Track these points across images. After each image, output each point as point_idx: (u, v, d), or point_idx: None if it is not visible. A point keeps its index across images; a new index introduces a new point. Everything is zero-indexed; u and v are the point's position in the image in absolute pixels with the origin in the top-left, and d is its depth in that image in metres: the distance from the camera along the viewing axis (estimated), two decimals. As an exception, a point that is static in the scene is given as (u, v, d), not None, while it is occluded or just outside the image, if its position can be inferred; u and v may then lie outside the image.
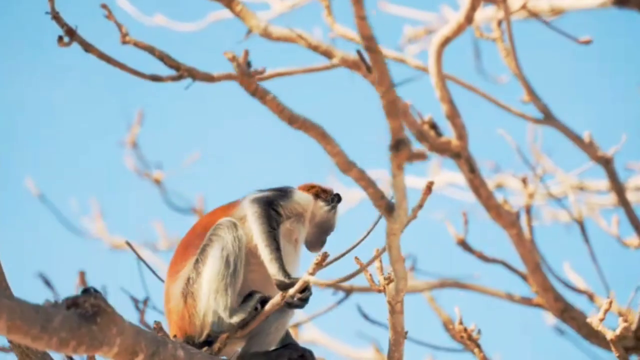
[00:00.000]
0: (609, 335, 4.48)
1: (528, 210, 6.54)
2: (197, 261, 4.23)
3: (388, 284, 3.80)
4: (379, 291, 3.89)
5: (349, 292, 6.46)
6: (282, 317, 4.33)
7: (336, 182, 12.02)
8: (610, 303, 4.57)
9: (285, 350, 4.30)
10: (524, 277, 6.30)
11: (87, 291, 3.09)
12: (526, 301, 6.48)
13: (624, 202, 6.46)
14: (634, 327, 6.47)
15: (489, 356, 6.47)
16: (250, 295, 4.17)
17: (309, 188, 4.62)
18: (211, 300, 4.15)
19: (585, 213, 9.73)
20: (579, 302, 6.70)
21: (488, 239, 6.80)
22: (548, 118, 6.27)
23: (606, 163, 6.41)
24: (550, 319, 7.96)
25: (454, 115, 5.60)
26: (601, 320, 4.44)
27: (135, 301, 5.26)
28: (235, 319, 4.12)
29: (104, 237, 9.37)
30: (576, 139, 6.32)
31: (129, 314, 5.52)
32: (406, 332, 3.93)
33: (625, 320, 6.61)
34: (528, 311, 7.35)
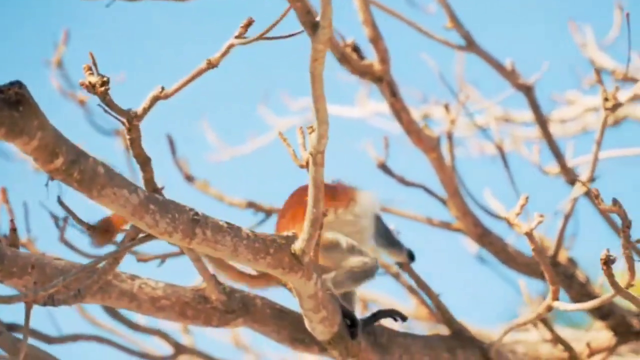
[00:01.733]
0: (524, 228, 4.51)
1: (450, 136, 6.61)
2: None
3: (312, 132, 3.71)
4: (302, 167, 3.82)
5: (269, 213, 6.51)
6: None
7: (267, 109, 12.03)
8: (527, 198, 4.61)
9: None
10: (444, 202, 6.40)
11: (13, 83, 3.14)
12: (445, 225, 6.59)
13: (543, 129, 6.57)
14: (550, 253, 6.63)
15: (410, 281, 6.58)
16: None
17: None
18: None
19: (511, 145, 9.89)
20: (498, 228, 6.85)
21: (413, 167, 6.87)
22: (470, 45, 6.33)
23: (527, 91, 6.50)
24: (472, 246, 8.09)
25: (376, 38, 5.62)
26: (517, 214, 4.50)
27: (55, 219, 5.24)
28: None
29: (29, 159, 9.24)
30: (498, 66, 6.39)
31: (51, 233, 5.53)
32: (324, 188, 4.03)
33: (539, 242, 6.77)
34: (451, 238, 7.44)
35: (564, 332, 7.68)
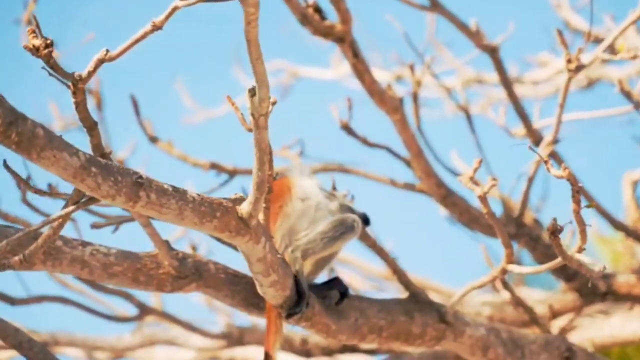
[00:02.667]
0: (478, 191, 4.48)
1: (415, 97, 6.57)
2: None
3: (252, 96, 3.68)
4: (250, 130, 3.76)
5: (232, 173, 6.47)
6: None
7: (241, 73, 11.95)
8: (480, 162, 4.57)
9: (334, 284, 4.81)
10: (407, 163, 6.36)
11: None
12: (409, 187, 6.57)
13: (509, 91, 6.52)
14: (515, 214, 6.62)
15: (381, 242, 6.56)
16: None
17: None
18: None
19: (480, 108, 9.85)
20: (463, 190, 6.82)
21: (381, 129, 6.81)
22: (434, 5, 6.27)
23: (492, 52, 6.45)
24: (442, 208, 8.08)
25: (337, -1, 5.55)
26: (471, 178, 4.46)
27: (17, 178, 5.16)
28: None
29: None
30: (462, 26, 6.33)
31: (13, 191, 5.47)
32: (271, 151, 4.00)
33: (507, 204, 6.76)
34: (420, 199, 7.40)
35: (534, 294, 7.71)
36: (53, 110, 9.07)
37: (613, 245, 9.73)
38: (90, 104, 7.93)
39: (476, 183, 4.59)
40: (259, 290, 4.38)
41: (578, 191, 4.13)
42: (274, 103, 4.17)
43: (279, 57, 11.74)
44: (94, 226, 4.90)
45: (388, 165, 6.64)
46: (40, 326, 7.43)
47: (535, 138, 6.50)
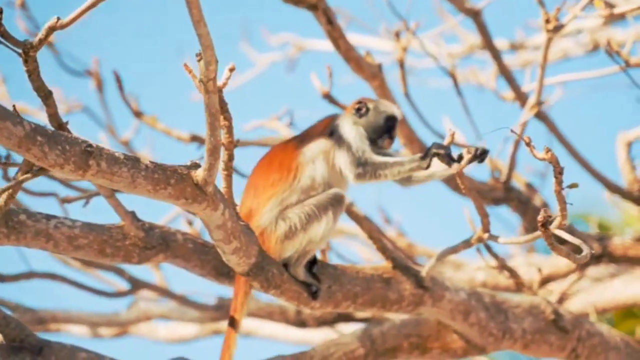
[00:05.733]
0: (455, 167, 4.47)
1: (402, 63, 6.52)
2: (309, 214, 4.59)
3: (200, 60, 3.65)
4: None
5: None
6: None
7: (248, 47, 11.92)
8: (453, 135, 4.55)
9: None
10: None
11: None
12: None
13: (494, 54, 6.44)
14: (503, 178, 6.55)
15: (368, 214, 6.54)
16: None
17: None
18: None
19: (473, 75, 9.75)
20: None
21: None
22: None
23: (475, 16, 6.36)
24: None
25: (308, -35, 5.50)
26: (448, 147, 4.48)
27: None
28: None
29: (6, 103, 9.21)
30: (443, -10, 6.25)
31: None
32: (229, 117, 3.97)
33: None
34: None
35: (533, 258, 7.64)
36: (56, 93, 9.09)
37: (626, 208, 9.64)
38: (91, 85, 8.00)
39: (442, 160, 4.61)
40: (223, 258, 4.36)
41: (560, 172, 4.12)
42: (231, 70, 4.15)
43: (285, 30, 11.72)
44: (64, 200, 4.92)
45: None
46: (37, 304, 7.48)
47: (523, 101, 6.43)
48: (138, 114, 6.72)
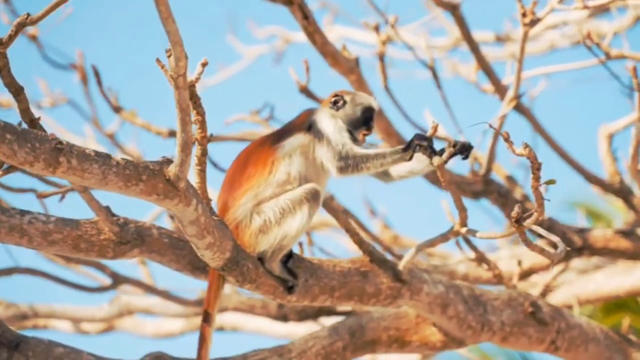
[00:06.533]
0: (436, 161, 4.46)
1: (381, 57, 6.52)
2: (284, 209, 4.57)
3: (169, 56, 3.66)
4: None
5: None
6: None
7: (235, 40, 11.93)
8: (436, 127, 4.53)
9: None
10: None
11: None
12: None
13: (472, 47, 6.45)
14: (482, 171, 6.56)
15: (348, 208, 6.53)
16: None
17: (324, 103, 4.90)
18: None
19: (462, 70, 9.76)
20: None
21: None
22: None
23: (453, 10, 6.36)
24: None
25: (285, -40, 5.50)
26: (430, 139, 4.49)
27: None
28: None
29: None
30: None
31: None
32: (202, 112, 3.99)
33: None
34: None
35: (518, 250, 7.65)
36: (42, 86, 9.10)
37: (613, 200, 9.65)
38: (76, 78, 7.99)
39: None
40: (197, 253, 4.36)
41: (538, 168, 4.13)
42: (204, 64, 4.14)
43: (272, 23, 11.73)
44: (40, 195, 4.91)
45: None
46: (21, 299, 7.49)
47: (503, 94, 6.44)
48: (117, 109, 6.72)
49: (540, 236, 4.50)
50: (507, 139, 4.15)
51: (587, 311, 11.34)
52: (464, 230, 4.81)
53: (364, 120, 4.81)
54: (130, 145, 9.18)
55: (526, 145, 4.13)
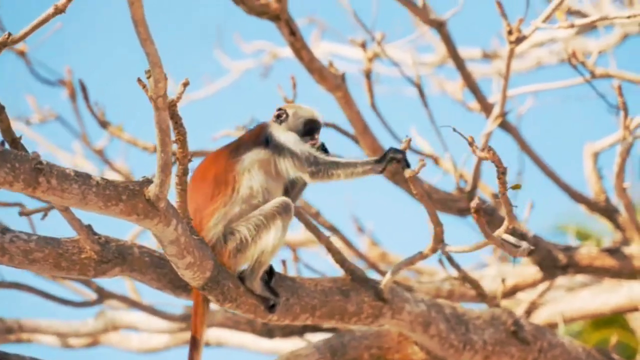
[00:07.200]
0: (407, 173, 4.48)
1: (368, 74, 6.55)
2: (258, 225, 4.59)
3: (149, 77, 3.68)
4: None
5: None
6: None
7: (222, 54, 11.94)
8: (409, 141, 4.54)
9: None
10: (355, 140, 6.33)
11: None
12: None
13: (459, 65, 6.47)
14: (468, 188, 6.58)
15: (335, 224, 6.55)
16: None
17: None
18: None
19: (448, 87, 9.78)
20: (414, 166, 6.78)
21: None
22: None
23: (440, 27, 6.39)
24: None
25: (270, -23, 5.52)
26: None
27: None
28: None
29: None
30: (408, 3, 6.26)
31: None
32: (183, 131, 4.00)
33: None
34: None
35: (506, 267, 7.67)
36: (31, 102, 9.11)
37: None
38: (64, 94, 8.00)
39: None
40: (178, 272, 4.37)
41: (503, 172, 4.15)
42: (185, 84, 4.15)
43: (259, 38, 11.75)
44: (22, 213, 4.92)
45: (338, 143, 6.62)
46: (5, 312, 7.49)
47: (489, 112, 6.46)
48: (104, 124, 6.73)
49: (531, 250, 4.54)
50: (471, 143, 4.17)
51: (577, 327, 11.40)
52: (440, 246, 4.80)
53: (306, 132, 4.83)
54: (119, 161, 9.20)
55: (489, 149, 4.16)
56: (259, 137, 4.74)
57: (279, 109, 4.85)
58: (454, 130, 4.28)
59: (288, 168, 4.67)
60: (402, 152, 4.60)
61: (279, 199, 4.65)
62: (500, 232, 4.43)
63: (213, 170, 4.60)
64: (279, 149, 4.68)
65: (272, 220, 4.60)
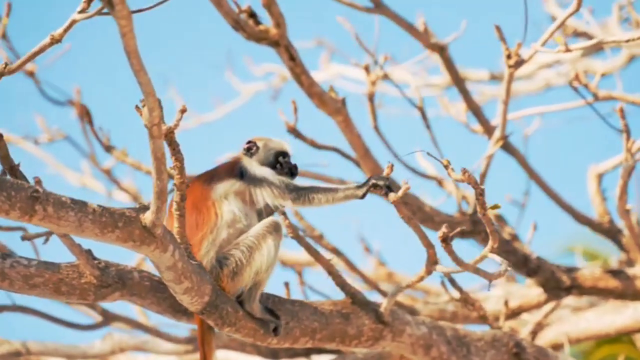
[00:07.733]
0: (391, 197, 4.50)
1: (371, 98, 6.58)
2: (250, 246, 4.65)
3: (144, 106, 3.70)
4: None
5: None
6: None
7: (233, 77, 12.01)
8: (391, 167, 4.58)
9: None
10: (357, 163, 6.37)
11: None
12: (361, 188, 6.55)
13: (460, 89, 6.50)
14: (470, 211, 6.60)
15: (341, 244, 6.58)
16: None
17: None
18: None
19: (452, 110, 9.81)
20: (416, 188, 6.82)
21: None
22: (378, 6, 6.26)
23: (441, 50, 6.42)
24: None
25: (270, 3, 5.57)
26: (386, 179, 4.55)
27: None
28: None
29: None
30: (408, 27, 6.30)
31: None
32: (180, 158, 4.05)
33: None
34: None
35: (513, 288, 7.67)
36: (39, 122, 9.19)
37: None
38: (73, 114, 8.07)
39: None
40: (176, 297, 4.41)
41: (481, 194, 4.18)
42: (183, 111, 4.20)
43: (270, 61, 11.83)
44: (24, 238, 4.96)
45: (341, 166, 6.66)
46: (13, 335, 7.52)
47: (491, 134, 6.49)
48: (108, 148, 6.79)
49: (524, 266, 4.54)
50: (446, 166, 4.22)
51: (583, 345, 11.36)
52: (434, 267, 4.83)
53: (277, 164, 4.88)
54: (127, 180, 9.27)
55: (465, 171, 4.20)
56: (234, 170, 4.80)
57: (249, 142, 4.92)
58: (428, 154, 4.36)
59: (266, 197, 4.73)
60: (385, 178, 4.65)
61: (269, 219, 4.72)
62: (485, 252, 4.45)
63: (190, 199, 4.63)
64: (255, 181, 4.75)
65: (264, 240, 4.66)
